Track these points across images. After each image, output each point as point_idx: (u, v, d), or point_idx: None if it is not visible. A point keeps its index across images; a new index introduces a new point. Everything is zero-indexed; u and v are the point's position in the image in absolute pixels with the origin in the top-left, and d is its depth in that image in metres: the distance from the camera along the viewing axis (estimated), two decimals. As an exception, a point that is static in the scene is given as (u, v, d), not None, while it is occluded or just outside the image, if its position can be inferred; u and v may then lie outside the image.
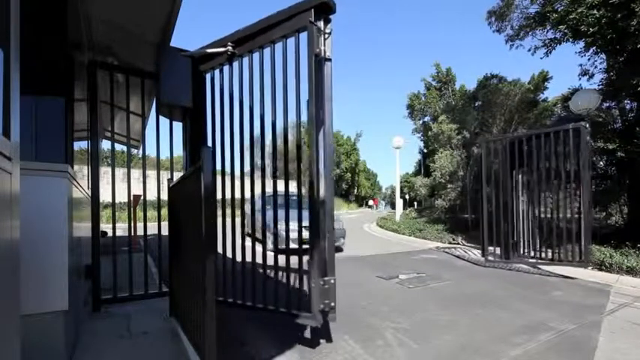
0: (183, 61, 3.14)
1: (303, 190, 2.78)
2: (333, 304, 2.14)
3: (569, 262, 5.20)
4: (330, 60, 2.45)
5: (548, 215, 5.70)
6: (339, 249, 7.34)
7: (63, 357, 2.07)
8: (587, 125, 5.30)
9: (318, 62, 2.41)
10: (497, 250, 6.25)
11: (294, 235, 6.42)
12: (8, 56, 0.96)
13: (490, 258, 5.97)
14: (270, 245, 5.44)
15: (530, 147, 5.59)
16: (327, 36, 2.46)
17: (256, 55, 2.85)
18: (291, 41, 2.64)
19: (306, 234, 2.77)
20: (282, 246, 6.10)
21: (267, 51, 2.79)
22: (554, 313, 3.42)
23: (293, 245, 6.15)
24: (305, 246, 6.64)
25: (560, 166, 5.28)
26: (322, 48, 2.43)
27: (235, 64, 3.00)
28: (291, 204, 9.02)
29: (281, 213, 2.97)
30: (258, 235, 7.52)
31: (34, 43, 2.09)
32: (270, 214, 2.97)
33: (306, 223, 2.87)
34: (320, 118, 2.42)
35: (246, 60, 2.93)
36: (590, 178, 5.21)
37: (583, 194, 5.06)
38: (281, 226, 7.05)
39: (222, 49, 2.92)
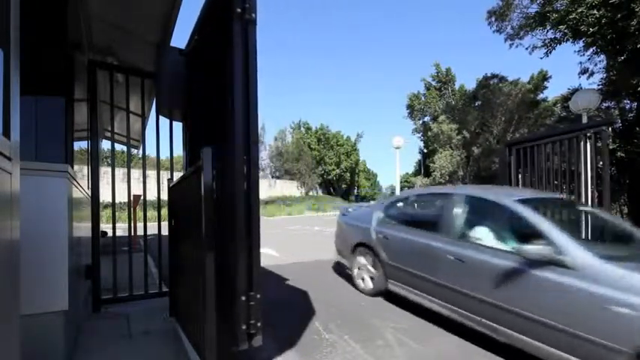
0: (183, 60, 3.13)
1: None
2: (259, 324, 1.72)
3: None
4: (254, 23, 1.75)
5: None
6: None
7: (63, 357, 2.07)
8: (609, 129, 5.34)
9: (242, 24, 1.71)
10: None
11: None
12: (8, 56, 0.96)
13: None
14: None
15: (554, 149, 5.58)
16: None
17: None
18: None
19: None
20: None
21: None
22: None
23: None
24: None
25: (580, 167, 5.27)
26: (245, 6, 1.72)
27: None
28: (476, 214, 3.32)
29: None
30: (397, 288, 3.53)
31: (34, 42, 2.09)
32: None
33: None
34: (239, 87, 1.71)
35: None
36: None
37: (605, 194, 5.05)
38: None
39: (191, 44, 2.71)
